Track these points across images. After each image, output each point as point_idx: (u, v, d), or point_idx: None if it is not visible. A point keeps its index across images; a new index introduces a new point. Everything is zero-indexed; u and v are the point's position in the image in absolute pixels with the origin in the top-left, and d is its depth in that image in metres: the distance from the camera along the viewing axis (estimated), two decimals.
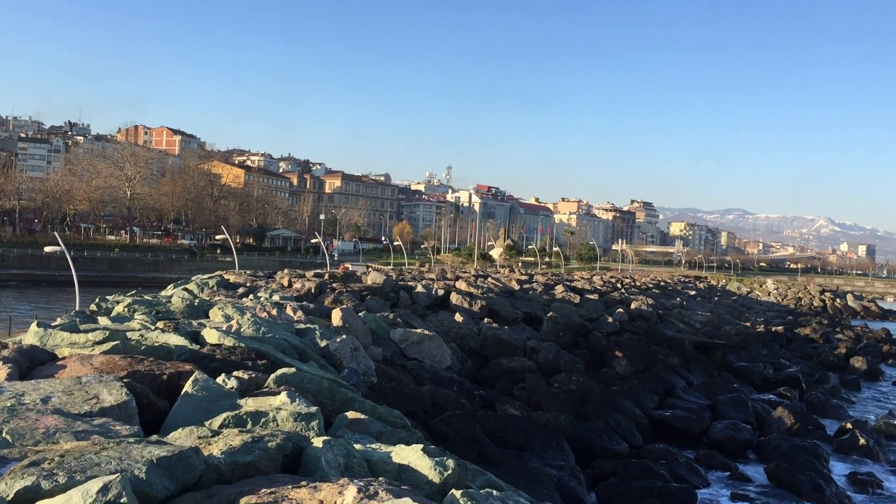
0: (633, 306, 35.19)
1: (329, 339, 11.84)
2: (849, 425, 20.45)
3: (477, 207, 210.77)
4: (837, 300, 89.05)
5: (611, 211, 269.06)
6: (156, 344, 8.43)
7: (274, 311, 13.68)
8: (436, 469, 4.88)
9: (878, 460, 18.61)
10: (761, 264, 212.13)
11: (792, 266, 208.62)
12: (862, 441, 19.11)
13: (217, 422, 5.60)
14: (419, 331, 17.07)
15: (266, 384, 7.33)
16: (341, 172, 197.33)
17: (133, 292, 18.88)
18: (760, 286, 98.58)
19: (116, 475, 3.73)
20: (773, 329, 43.46)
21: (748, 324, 43.72)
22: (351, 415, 6.59)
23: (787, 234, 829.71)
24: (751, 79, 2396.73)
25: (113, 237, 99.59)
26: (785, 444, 17.38)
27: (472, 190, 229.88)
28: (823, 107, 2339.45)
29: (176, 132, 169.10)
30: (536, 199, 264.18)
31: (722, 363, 27.69)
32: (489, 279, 39.20)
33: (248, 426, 5.58)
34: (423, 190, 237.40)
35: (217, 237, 63.55)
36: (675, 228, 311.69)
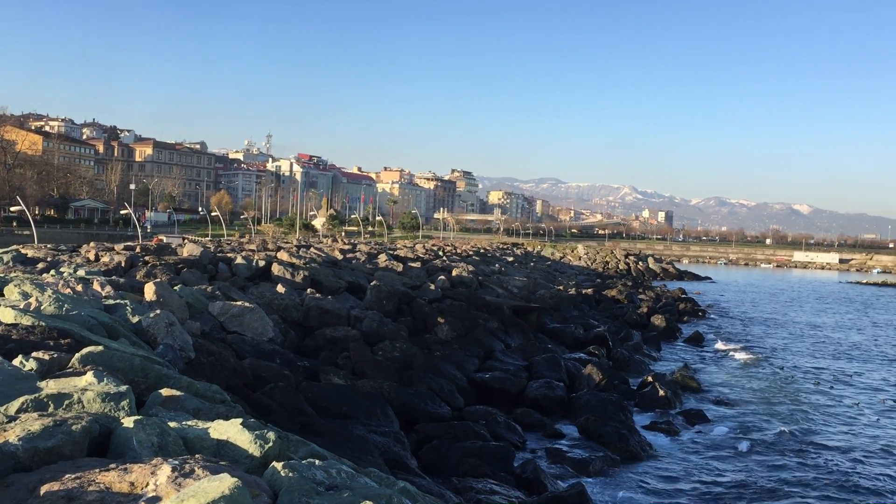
0: (454, 273, 36.05)
1: (142, 315, 11.25)
2: (650, 379, 22.19)
3: (299, 177, 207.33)
4: (640, 263, 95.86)
5: (433, 180, 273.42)
6: None
7: (79, 287, 12.80)
8: (256, 442, 4.79)
9: (675, 408, 20.35)
10: (573, 231, 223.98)
11: (600, 232, 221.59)
12: (661, 393, 20.83)
13: (14, 406, 5.18)
14: (239, 303, 16.60)
15: (70, 364, 6.86)
16: (153, 140, 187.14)
17: None
18: (572, 251, 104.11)
19: None
20: (584, 292, 46.11)
21: (561, 287, 46.04)
22: (165, 392, 6.31)
23: (596, 201, 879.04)
24: (565, 50, 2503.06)
25: None
26: (594, 399, 18.55)
27: (294, 159, 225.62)
28: (628, 79, 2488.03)
29: None
30: (359, 169, 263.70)
31: (537, 325, 29.03)
32: (312, 249, 38.74)
33: (50, 409, 5.21)
34: (241, 159, 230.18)
35: (12, 209, 58.44)
36: (494, 197, 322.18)
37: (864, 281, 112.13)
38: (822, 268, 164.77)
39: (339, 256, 35.26)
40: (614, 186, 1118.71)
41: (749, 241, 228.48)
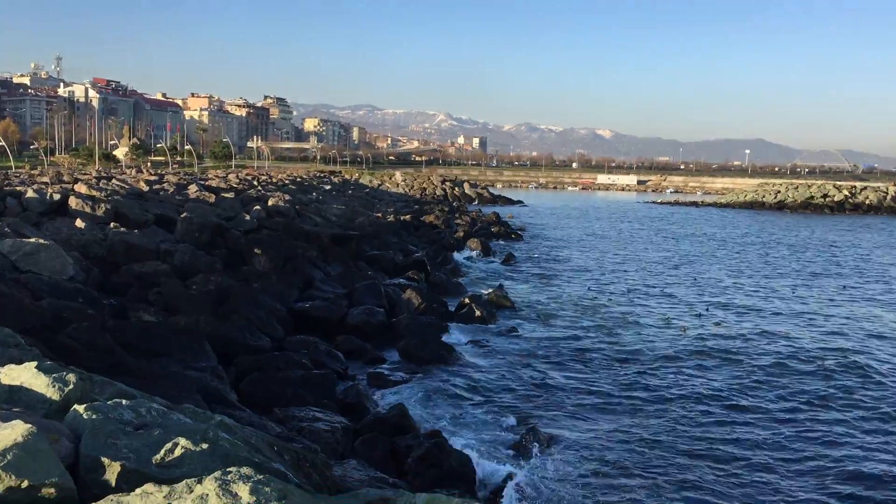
0: (270, 203, 35.20)
1: None
2: (467, 300, 22.96)
3: (95, 103, 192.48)
4: (456, 189, 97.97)
5: (244, 107, 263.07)
6: None
7: None
8: (54, 386, 4.48)
9: (491, 326, 21.29)
10: (390, 158, 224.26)
11: (417, 158, 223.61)
12: (478, 313, 21.66)
13: None
14: (33, 240, 15.38)
15: None
16: None
17: None
18: (390, 178, 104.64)
19: None
20: (402, 218, 46.60)
21: (380, 214, 46.22)
22: None
23: (413, 128, 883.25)
24: None
25: None
26: (413, 322, 18.95)
27: (89, 84, 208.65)
28: (444, 7, 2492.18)
29: None
30: (164, 95, 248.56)
31: (357, 253, 29.06)
32: (114, 181, 36.49)
33: None
34: (28, 83, 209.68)
35: None
36: (310, 124, 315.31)
37: (660, 201, 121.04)
38: (623, 189, 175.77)
39: (146, 188, 33.46)
40: (430, 113, 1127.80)
41: (557, 165, 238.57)
